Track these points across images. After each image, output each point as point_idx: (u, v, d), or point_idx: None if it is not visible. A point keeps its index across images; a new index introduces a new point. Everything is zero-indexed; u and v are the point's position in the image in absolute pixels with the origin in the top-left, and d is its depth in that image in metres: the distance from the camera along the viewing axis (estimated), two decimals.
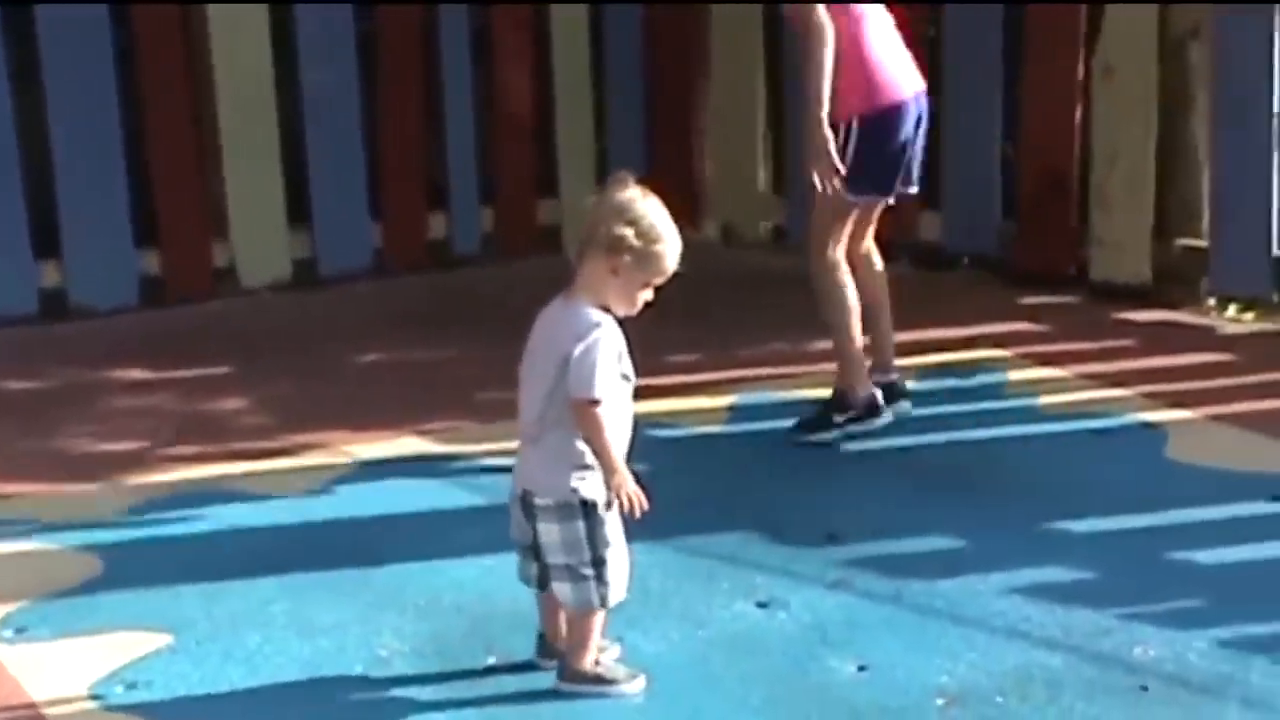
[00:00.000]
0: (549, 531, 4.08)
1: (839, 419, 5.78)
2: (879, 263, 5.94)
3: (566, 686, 4.17)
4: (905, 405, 5.91)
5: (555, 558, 4.10)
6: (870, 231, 5.88)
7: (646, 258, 4.01)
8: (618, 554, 4.10)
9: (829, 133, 5.49)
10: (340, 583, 4.77)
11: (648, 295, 4.08)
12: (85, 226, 7.18)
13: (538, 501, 4.09)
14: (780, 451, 5.69)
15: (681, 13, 8.12)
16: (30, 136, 7.12)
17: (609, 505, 4.06)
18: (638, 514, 4.03)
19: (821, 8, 5.47)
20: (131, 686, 4.25)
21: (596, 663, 4.18)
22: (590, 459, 4.02)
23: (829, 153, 5.50)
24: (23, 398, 6.39)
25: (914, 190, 5.83)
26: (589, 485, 4.04)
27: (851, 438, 5.75)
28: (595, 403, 3.97)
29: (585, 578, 4.08)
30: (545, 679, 4.22)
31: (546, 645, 4.27)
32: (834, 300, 5.74)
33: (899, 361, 6.04)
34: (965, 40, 7.45)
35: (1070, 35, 7.21)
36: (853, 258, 5.80)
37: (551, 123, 8.05)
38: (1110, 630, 4.39)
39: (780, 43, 7.93)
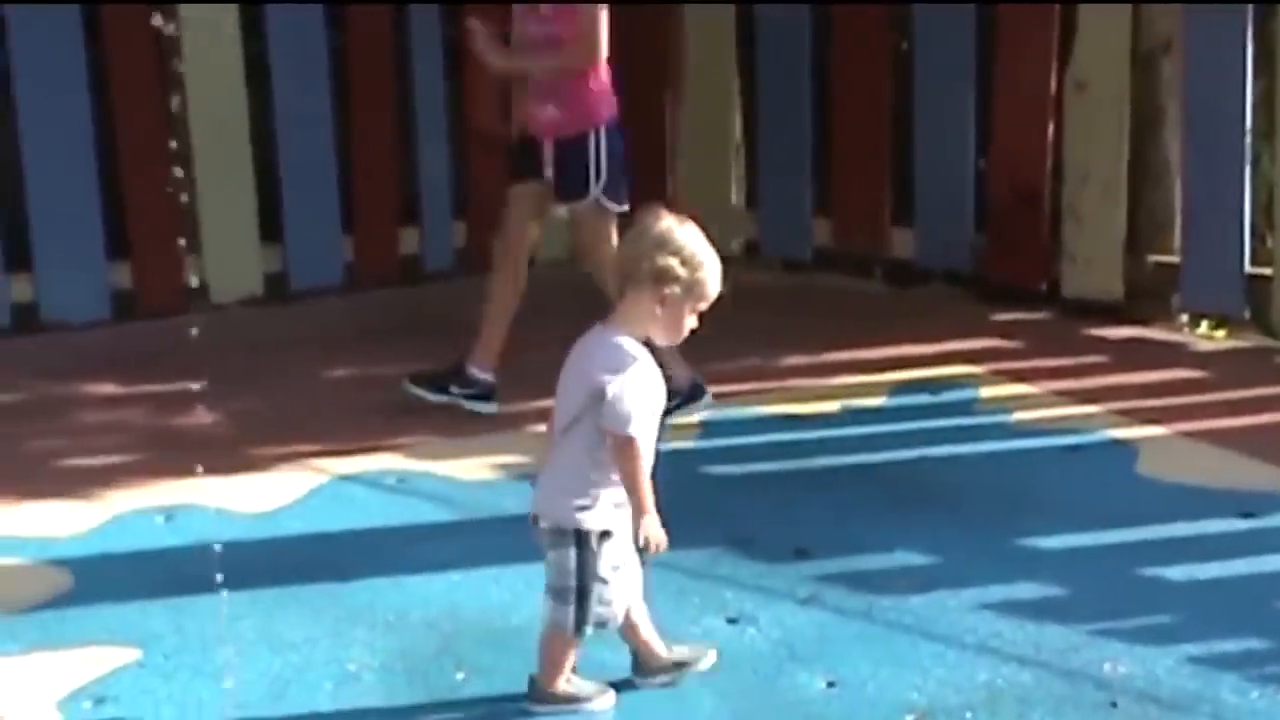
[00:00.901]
0: (547, 551, 4.10)
1: (455, 390, 6.04)
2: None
3: (536, 709, 4.15)
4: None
5: (549, 577, 4.11)
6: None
7: (693, 285, 4.02)
8: (611, 588, 4.08)
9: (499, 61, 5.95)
10: (310, 598, 4.76)
11: (693, 322, 4.10)
12: (57, 240, 7.15)
13: (541, 524, 4.10)
14: (751, 468, 5.69)
15: (655, 26, 8.11)
16: (2, 149, 7.10)
17: (604, 537, 4.05)
18: (653, 553, 4.05)
19: (605, 26, 5.77)
20: (100, 702, 4.23)
21: (568, 681, 4.17)
22: (596, 491, 4.02)
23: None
24: None
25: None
26: (587, 517, 4.04)
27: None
28: (631, 439, 3.98)
29: (566, 602, 4.07)
30: (513, 694, 4.20)
31: (639, 663, 4.26)
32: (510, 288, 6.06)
33: (874, 378, 6.19)
34: (938, 55, 7.46)
35: (1043, 49, 7.21)
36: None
37: None
38: (1080, 646, 4.39)
39: (754, 58, 7.95)
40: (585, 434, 4.01)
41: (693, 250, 4.02)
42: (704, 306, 4.09)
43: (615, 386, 3.96)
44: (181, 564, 4.99)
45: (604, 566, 4.06)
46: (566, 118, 5.89)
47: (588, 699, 4.16)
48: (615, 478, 4.01)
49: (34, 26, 7.02)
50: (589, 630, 4.10)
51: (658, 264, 3.99)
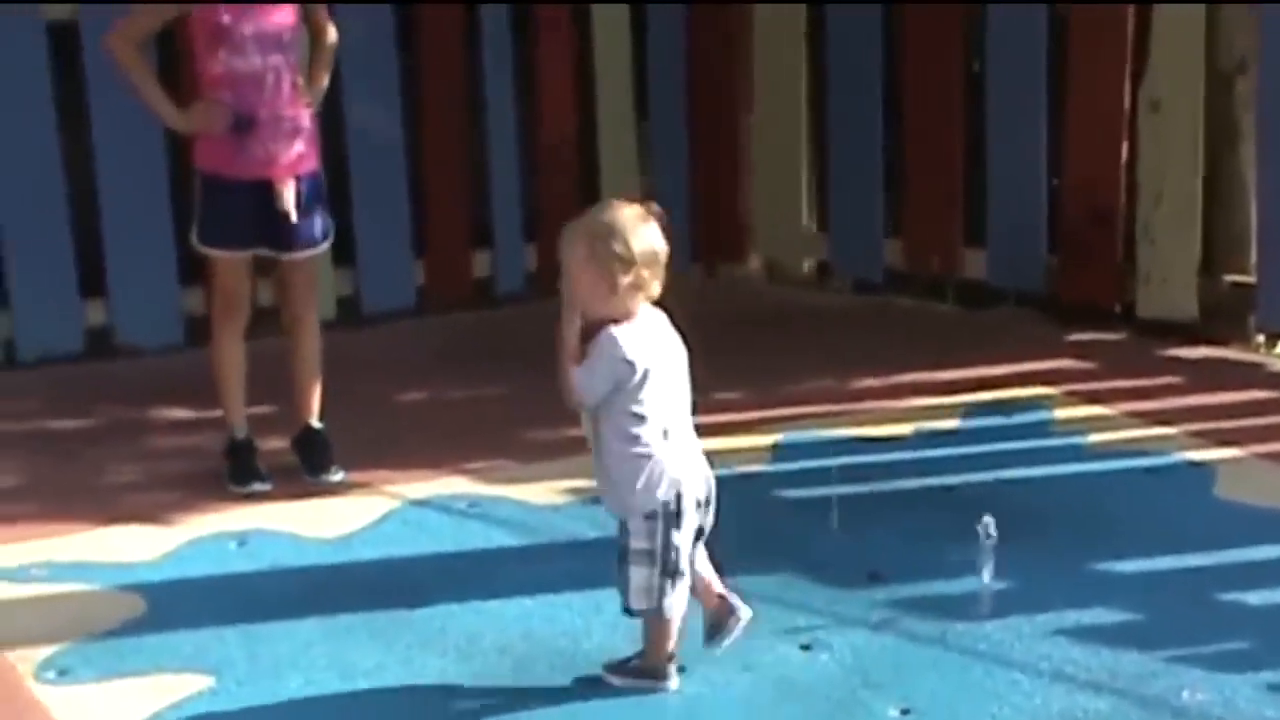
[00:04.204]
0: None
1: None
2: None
3: (613, 679, 4.33)
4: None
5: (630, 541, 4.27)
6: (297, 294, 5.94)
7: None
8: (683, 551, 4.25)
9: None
10: (382, 624, 4.76)
11: None
12: (131, 265, 7.20)
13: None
14: (823, 491, 5.65)
15: (725, 46, 8.12)
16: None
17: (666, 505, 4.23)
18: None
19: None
20: None
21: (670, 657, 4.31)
22: (641, 467, 4.21)
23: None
24: (66, 436, 6.40)
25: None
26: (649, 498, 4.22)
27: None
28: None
29: (650, 566, 4.23)
30: (589, 714, 4.19)
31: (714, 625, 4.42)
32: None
33: (946, 400, 6.22)
34: (1010, 76, 7.41)
35: (1116, 67, 7.16)
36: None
37: (595, 158, 8.04)
38: (1157, 673, 4.35)
39: (824, 78, 7.93)
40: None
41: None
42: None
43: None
44: (254, 590, 5.01)
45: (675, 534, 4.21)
46: (310, 151, 5.73)
47: (666, 677, 4.29)
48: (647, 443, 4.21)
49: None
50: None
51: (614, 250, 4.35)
